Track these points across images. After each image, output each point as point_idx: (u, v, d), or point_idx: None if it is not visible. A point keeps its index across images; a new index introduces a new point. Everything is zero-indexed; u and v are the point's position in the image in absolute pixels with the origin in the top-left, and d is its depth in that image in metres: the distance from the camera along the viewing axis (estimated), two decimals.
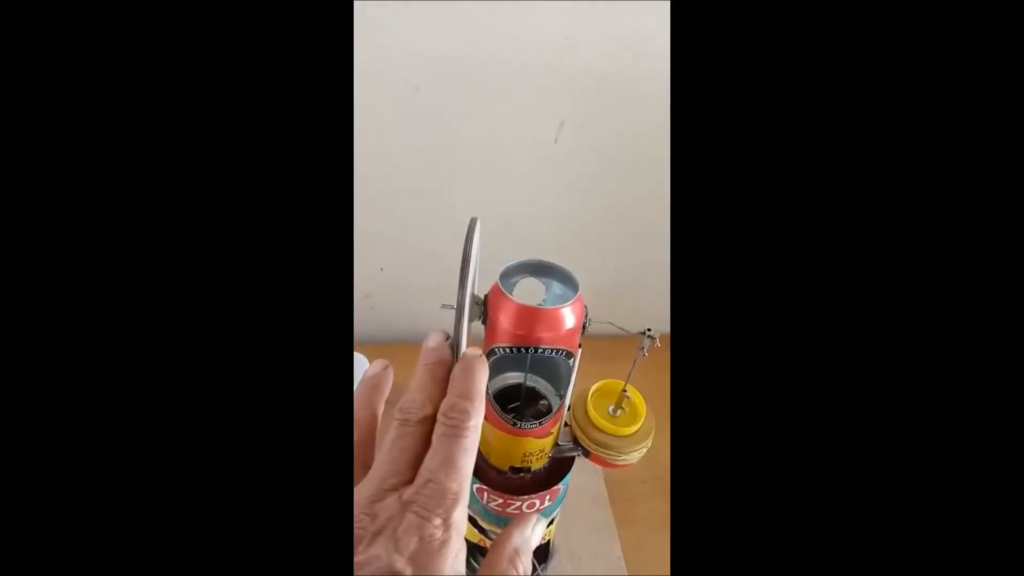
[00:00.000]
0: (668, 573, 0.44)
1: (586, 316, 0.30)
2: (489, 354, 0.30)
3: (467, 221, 0.27)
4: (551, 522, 0.39)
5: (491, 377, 0.32)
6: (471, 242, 0.27)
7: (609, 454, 0.34)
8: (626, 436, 0.34)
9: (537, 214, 0.60)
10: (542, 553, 0.43)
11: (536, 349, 0.28)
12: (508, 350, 0.28)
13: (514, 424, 0.32)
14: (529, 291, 0.30)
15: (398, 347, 0.65)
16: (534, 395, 0.36)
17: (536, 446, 0.33)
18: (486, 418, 0.33)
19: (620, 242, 0.63)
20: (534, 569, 0.42)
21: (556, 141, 0.54)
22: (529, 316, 0.27)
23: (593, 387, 0.36)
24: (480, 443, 0.36)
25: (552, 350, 0.28)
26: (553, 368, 0.35)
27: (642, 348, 0.31)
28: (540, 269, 0.31)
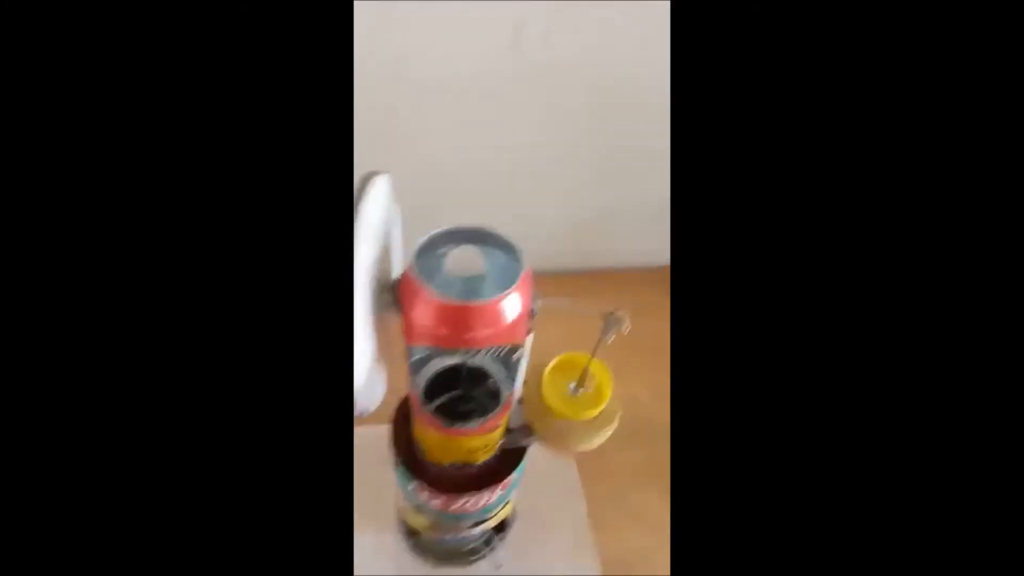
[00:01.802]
0: (639, 532, 0.42)
1: (535, 299, 0.23)
2: (407, 354, 0.23)
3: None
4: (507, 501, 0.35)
5: (420, 365, 0.26)
6: (367, 205, 0.19)
7: (566, 443, 0.29)
8: (587, 421, 0.29)
9: (500, 140, 0.50)
10: (500, 526, 0.40)
11: (468, 351, 0.22)
12: (430, 352, 0.22)
13: (447, 426, 0.26)
14: (468, 257, 0.23)
15: None
16: (478, 376, 0.30)
17: (479, 443, 0.28)
18: (416, 414, 0.28)
19: (599, 169, 0.54)
20: (490, 541, 0.39)
21: (514, 46, 0.43)
22: (454, 315, 0.20)
23: (551, 363, 0.30)
24: (415, 435, 0.31)
25: (490, 350, 0.22)
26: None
27: (607, 333, 0.25)
28: (472, 237, 0.23)
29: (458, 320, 0.20)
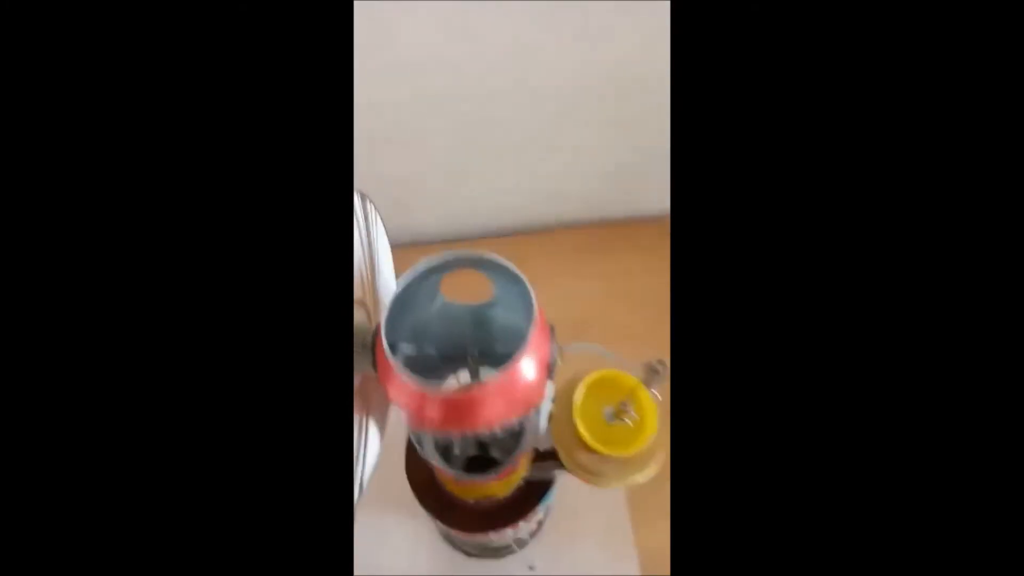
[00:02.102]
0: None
1: (554, 350, 0.18)
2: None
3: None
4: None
5: (417, 436, 0.22)
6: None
7: (598, 480, 0.25)
8: (624, 458, 0.25)
9: (514, 86, 0.42)
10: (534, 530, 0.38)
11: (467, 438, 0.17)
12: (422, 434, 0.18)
13: (460, 478, 0.22)
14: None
15: None
16: None
17: (499, 485, 0.24)
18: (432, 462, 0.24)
19: (627, 112, 0.45)
20: (522, 541, 0.37)
21: None
22: (447, 408, 0.16)
23: (586, 380, 0.26)
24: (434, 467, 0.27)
25: (498, 433, 0.17)
26: None
27: (649, 385, 0.20)
28: (472, 262, 0.18)
29: (453, 413, 0.16)
